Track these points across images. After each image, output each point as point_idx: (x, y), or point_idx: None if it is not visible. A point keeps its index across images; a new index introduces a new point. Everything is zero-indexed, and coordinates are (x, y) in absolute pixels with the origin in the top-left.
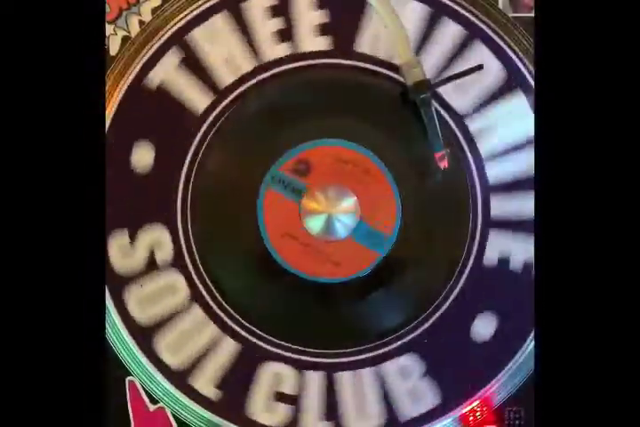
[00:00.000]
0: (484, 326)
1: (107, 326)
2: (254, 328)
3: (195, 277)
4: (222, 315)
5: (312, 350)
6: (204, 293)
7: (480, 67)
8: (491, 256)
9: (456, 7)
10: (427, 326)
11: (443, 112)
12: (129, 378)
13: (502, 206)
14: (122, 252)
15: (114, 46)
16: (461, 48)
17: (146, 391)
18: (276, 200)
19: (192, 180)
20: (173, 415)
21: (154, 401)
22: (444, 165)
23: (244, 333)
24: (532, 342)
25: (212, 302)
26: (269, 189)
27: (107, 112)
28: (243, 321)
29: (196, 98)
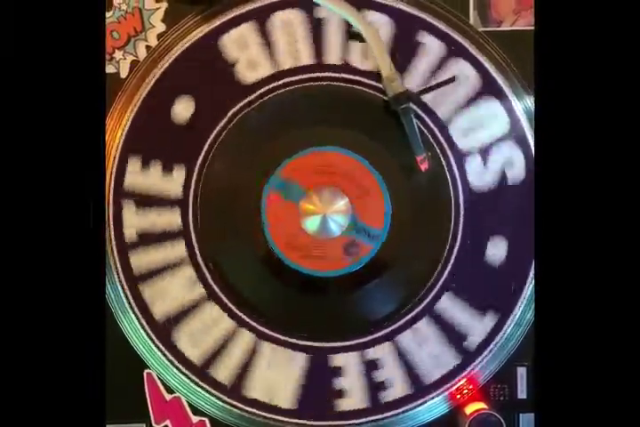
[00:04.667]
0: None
1: (125, 322)
2: (263, 320)
3: (207, 275)
4: (235, 309)
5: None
6: (217, 290)
7: (452, 79)
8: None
9: (432, 22)
10: (415, 312)
11: (426, 118)
12: (146, 371)
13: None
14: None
15: (123, 70)
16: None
17: (162, 382)
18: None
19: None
20: (188, 404)
21: (170, 391)
22: (424, 167)
23: (254, 323)
24: (512, 324)
25: (225, 298)
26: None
27: (120, 130)
28: (251, 312)
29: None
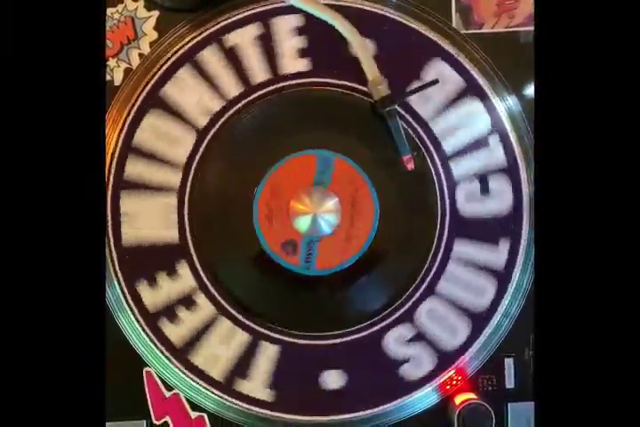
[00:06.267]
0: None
1: (125, 322)
2: (257, 317)
3: (202, 274)
4: (230, 308)
5: (306, 333)
6: (212, 288)
7: (435, 81)
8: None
9: (416, 27)
10: (407, 306)
11: (410, 119)
12: (146, 369)
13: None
14: None
15: (117, 77)
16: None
17: (161, 380)
18: None
19: (194, 191)
20: (187, 400)
21: (169, 388)
22: (410, 167)
23: (248, 322)
24: (499, 317)
25: (219, 297)
26: None
27: (114, 136)
28: (242, 309)
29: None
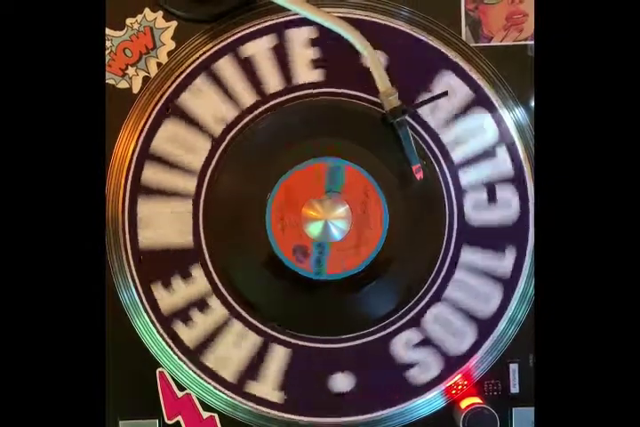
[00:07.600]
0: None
1: (139, 324)
2: (270, 320)
3: (215, 277)
4: (243, 312)
5: (316, 336)
6: (225, 292)
7: (445, 93)
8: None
9: (427, 40)
10: (413, 313)
11: (419, 128)
12: (159, 369)
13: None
14: None
15: (136, 85)
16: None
17: (174, 380)
18: None
19: (207, 196)
20: (199, 400)
21: (181, 388)
22: (419, 176)
23: (260, 325)
24: (505, 323)
25: (232, 301)
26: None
27: (132, 143)
28: (252, 311)
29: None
